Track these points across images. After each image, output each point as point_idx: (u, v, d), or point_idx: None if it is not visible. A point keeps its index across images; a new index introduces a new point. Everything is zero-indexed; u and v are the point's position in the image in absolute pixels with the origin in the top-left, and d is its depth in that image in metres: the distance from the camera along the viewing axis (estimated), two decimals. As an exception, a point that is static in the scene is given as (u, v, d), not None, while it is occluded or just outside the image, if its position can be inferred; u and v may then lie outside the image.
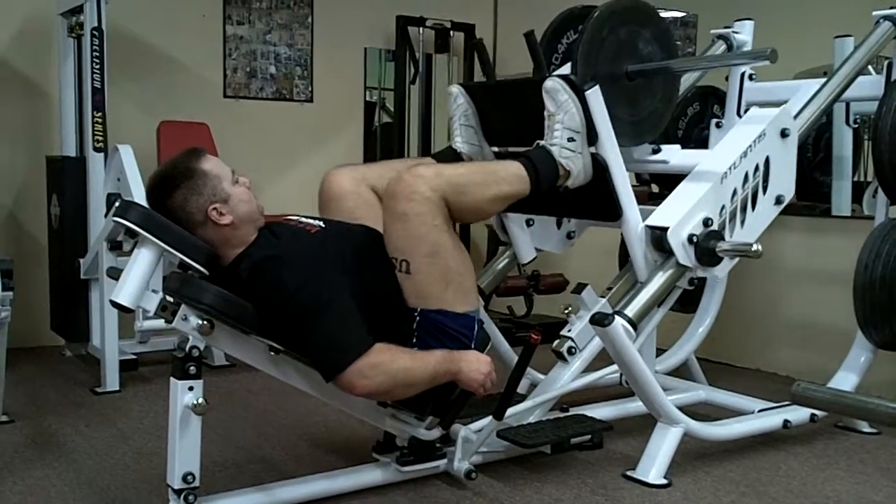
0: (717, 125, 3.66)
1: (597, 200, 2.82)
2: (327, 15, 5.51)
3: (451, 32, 5.73)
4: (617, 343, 2.64)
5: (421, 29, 5.65)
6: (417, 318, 2.46)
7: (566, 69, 3.00)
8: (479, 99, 3.03)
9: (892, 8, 3.21)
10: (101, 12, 3.92)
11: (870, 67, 3.32)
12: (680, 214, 2.73)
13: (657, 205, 2.85)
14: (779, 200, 2.95)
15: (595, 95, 2.70)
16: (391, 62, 5.73)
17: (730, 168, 2.80)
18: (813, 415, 3.20)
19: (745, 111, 3.57)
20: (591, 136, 2.72)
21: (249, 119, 5.28)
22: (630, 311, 2.69)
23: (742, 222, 2.86)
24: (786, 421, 3.15)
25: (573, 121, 2.67)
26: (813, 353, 4.13)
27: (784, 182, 2.95)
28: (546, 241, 3.35)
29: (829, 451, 3.16)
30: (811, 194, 4.25)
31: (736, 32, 3.63)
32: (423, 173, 2.43)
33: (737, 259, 2.83)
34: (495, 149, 3.09)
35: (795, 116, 3.00)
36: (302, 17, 5.45)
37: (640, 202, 4.36)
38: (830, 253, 4.12)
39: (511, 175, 2.60)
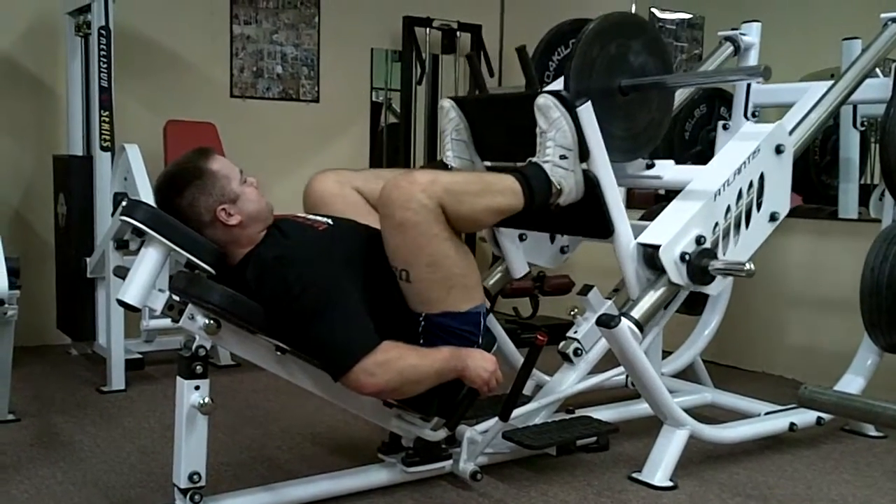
0: (725, 127, 3.66)
1: (589, 217, 2.78)
2: (334, 15, 5.51)
3: (458, 33, 5.73)
4: (623, 345, 2.64)
5: (428, 29, 5.65)
6: (422, 322, 2.46)
7: (559, 84, 2.95)
8: (471, 113, 3.00)
9: (899, 11, 3.21)
10: (108, 11, 3.92)
11: (877, 70, 3.32)
12: (672, 232, 2.69)
13: (662, 208, 2.84)
14: (773, 217, 2.90)
15: (587, 112, 2.67)
16: (398, 63, 5.73)
17: (723, 185, 2.76)
18: (819, 418, 3.20)
19: (753, 113, 3.56)
20: (584, 154, 2.68)
21: (256, 119, 5.28)
22: (636, 312, 2.68)
23: (736, 240, 2.82)
24: (792, 424, 3.14)
25: (565, 138, 2.64)
26: (819, 357, 4.12)
27: (779, 199, 2.90)
28: (539, 255, 3.32)
29: (835, 455, 3.16)
30: (818, 197, 4.25)
31: (743, 34, 3.62)
32: (420, 179, 2.39)
33: (731, 277, 2.79)
34: (487, 163, 3.05)
35: (791, 132, 2.95)
36: (309, 17, 5.45)
37: (645, 204, 4.37)
38: (837, 256, 4.11)
39: (506, 188, 2.57)
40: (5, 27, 4.63)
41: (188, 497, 2.31)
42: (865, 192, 3.91)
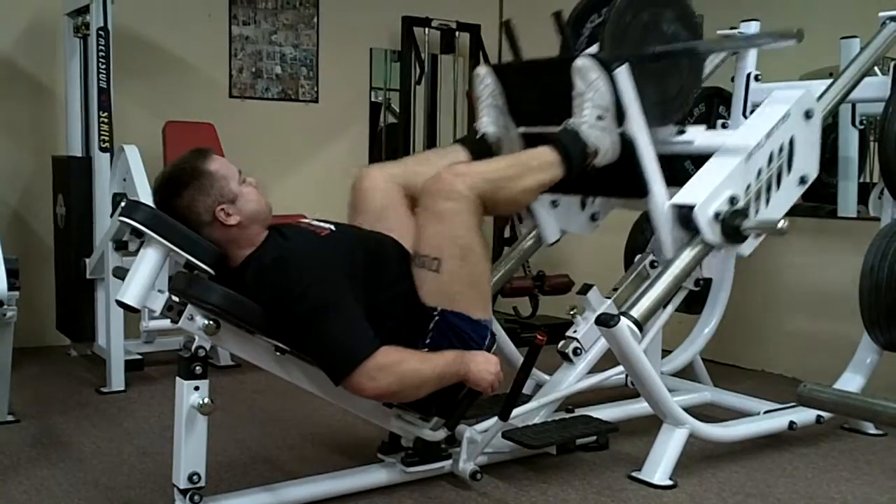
0: (723, 126, 3.66)
1: (624, 178, 2.85)
2: (333, 15, 5.51)
3: (457, 33, 5.73)
4: (622, 344, 2.64)
5: (426, 29, 5.65)
6: (436, 317, 2.48)
7: (592, 51, 2.99)
8: (507, 79, 3.05)
9: (898, 9, 3.21)
10: (107, 12, 3.93)
11: (876, 69, 3.32)
12: (706, 192, 2.74)
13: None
14: (803, 181, 2.96)
15: (624, 74, 2.74)
16: (396, 63, 5.73)
17: (755, 147, 2.82)
18: (819, 416, 3.20)
19: (750, 113, 3.56)
20: (620, 115, 2.76)
21: (255, 119, 5.28)
22: (636, 312, 2.68)
23: (767, 201, 2.87)
24: (791, 422, 3.14)
25: (603, 99, 2.72)
26: (818, 355, 4.12)
27: (808, 162, 2.97)
28: (571, 222, 3.36)
29: (834, 453, 3.16)
30: (817, 195, 4.24)
31: (741, 33, 3.62)
32: (462, 171, 2.51)
33: (762, 237, 2.83)
34: (522, 129, 3.10)
35: (819, 98, 3.02)
36: (308, 17, 5.45)
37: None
38: (836, 254, 4.11)
39: (544, 163, 2.67)
40: (4, 28, 4.63)
41: (188, 497, 2.31)
42: (864, 191, 3.90)
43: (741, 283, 3.86)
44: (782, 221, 2.70)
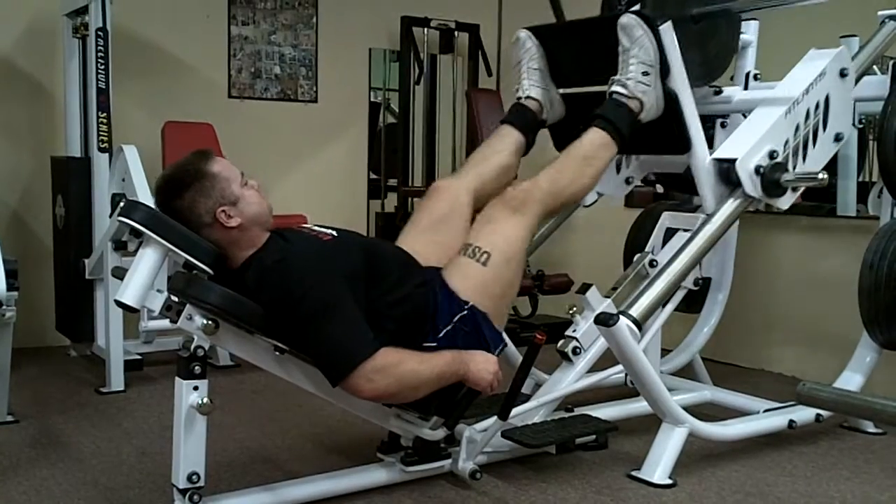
0: (723, 125, 3.65)
1: (666, 134, 2.92)
2: (332, 16, 5.51)
3: (456, 33, 5.73)
4: (622, 343, 2.64)
5: (425, 29, 5.65)
6: (465, 311, 2.52)
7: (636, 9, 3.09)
8: (548, 41, 3.10)
9: (897, 8, 3.22)
10: (105, 13, 3.93)
11: (875, 67, 3.32)
12: (747, 146, 2.81)
13: (662, 207, 2.86)
14: (838, 138, 3.04)
15: (668, 31, 2.83)
16: (396, 63, 5.73)
17: (793, 104, 2.88)
18: (818, 415, 3.20)
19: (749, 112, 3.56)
20: (665, 71, 2.82)
21: (254, 119, 5.28)
22: (635, 311, 2.68)
23: (804, 157, 2.94)
24: (791, 421, 3.14)
25: (648, 55, 2.79)
26: (818, 354, 4.13)
27: (842, 120, 3.04)
28: (606, 185, 3.47)
29: (834, 452, 3.16)
30: (816, 194, 4.24)
31: (741, 32, 3.61)
32: (531, 195, 2.69)
33: (800, 191, 2.92)
34: (562, 91, 3.15)
35: (853, 57, 3.08)
36: (307, 17, 5.45)
37: (644, 202, 4.38)
38: (836, 253, 4.11)
39: (598, 148, 2.80)
40: (3, 29, 4.63)
41: (187, 497, 2.31)
42: (864, 190, 3.90)
43: (740, 282, 3.86)
44: (822, 173, 2.79)
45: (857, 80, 3.15)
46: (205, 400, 2.28)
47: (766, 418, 3.19)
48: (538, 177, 2.79)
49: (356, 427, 3.26)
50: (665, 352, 3.71)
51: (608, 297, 3.17)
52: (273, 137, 5.33)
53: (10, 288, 3.03)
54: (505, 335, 3.03)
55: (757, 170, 2.80)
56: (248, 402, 3.72)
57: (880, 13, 3.26)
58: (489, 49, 5.80)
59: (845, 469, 2.99)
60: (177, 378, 2.32)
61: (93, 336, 4.26)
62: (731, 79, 3.72)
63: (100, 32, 3.92)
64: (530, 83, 3.08)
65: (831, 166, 4.05)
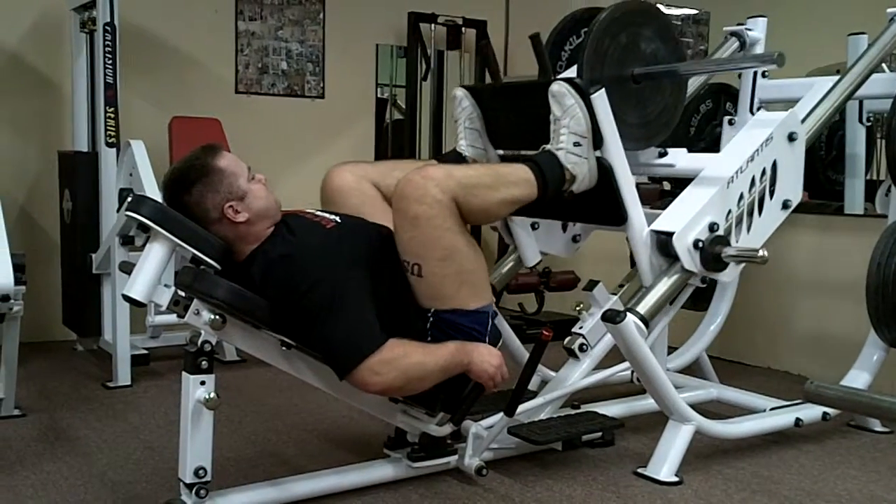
0: (730, 122, 3.66)
1: (602, 205, 2.79)
2: (339, 11, 5.51)
3: (463, 29, 5.72)
4: (628, 340, 2.64)
5: (433, 25, 5.65)
6: (431, 318, 2.46)
7: (572, 72, 2.97)
8: (484, 101, 3.01)
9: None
10: (113, 8, 3.93)
11: (883, 65, 3.31)
12: (685, 219, 2.69)
13: (667, 204, 2.84)
14: (786, 205, 2.91)
15: (601, 99, 2.68)
16: (403, 59, 5.72)
17: (736, 172, 2.76)
18: (825, 413, 3.19)
19: (759, 109, 3.56)
20: (597, 141, 2.69)
21: (261, 115, 5.29)
22: (642, 308, 2.68)
23: (749, 227, 2.82)
24: (798, 419, 3.14)
25: (579, 125, 2.65)
26: (825, 352, 4.12)
27: (791, 186, 2.91)
28: (552, 244, 3.32)
29: (840, 450, 3.16)
30: (824, 192, 4.24)
31: (749, 29, 3.61)
32: (433, 174, 2.40)
33: (743, 264, 2.80)
34: (500, 152, 3.06)
35: (803, 120, 2.95)
36: (314, 13, 5.45)
37: (651, 200, 4.37)
38: (843, 251, 4.10)
39: (520, 179, 2.59)
40: (11, 24, 4.64)
41: (194, 492, 2.31)
42: (871, 188, 3.90)
43: (747, 280, 3.85)
44: (762, 250, 2.64)
45: (866, 78, 3.14)
46: (212, 395, 2.28)
47: (772, 416, 3.18)
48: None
49: (362, 423, 3.27)
50: (672, 349, 3.72)
51: (615, 294, 3.17)
52: (280, 133, 5.33)
53: (17, 282, 3.04)
54: (503, 321, 3.00)
55: (696, 244, 2.68)
56: (254, 397, 3.73)
57: (889, 10, 3.24)
58: (496, 45, 5.77)
59: (852, 467, 2.98)
60: (183, 373, 2.32)
61: (100, 331, 4.26)
62: (739, 76, 3.72)
63: (107, 27, 3.92)
64: (467, 143, 3.00)
65: (839, 164, 4.06)
